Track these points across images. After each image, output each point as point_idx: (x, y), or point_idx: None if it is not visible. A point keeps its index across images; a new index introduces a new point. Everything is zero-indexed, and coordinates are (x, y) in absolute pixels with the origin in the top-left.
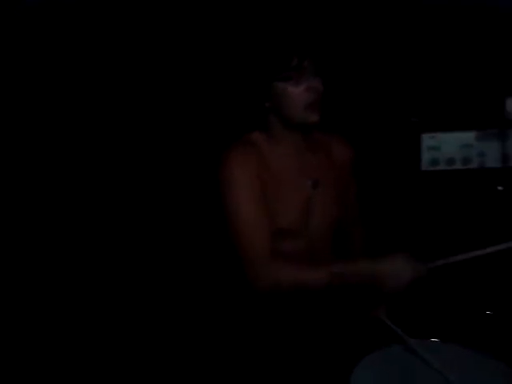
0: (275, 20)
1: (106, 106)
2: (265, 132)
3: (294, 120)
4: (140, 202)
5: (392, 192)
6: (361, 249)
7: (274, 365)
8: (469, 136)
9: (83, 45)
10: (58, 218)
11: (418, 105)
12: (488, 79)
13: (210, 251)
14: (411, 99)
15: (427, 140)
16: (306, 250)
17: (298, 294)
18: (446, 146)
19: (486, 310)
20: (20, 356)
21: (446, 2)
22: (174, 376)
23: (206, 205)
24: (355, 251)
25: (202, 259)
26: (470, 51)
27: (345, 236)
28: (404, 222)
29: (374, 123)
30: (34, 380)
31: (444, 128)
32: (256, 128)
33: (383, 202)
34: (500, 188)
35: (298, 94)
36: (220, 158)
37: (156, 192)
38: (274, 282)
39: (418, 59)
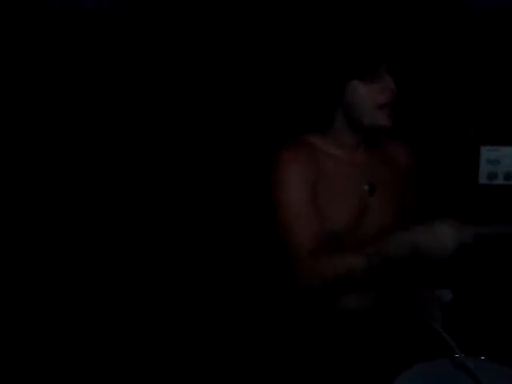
0: (354, 20)
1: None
2: (325, 133)
3: (363, 121)
4: (166, 199)
5: (448, 204)
6: None
7: (313, 370)
8: None
9: (89, 46)
10: (58, 217)
11: (477, 116)
12: None
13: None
14: (472, 110)
15: (486, 152)
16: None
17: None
18: (506, 160)
19: None
20: (18, 353)
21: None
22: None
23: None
24: None
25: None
26: None
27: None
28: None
29: (433, 133)
30: (32, 378)
31: (504, 141)
32: (316, 129)
33: (438, 214)
34: None
35: (372, 93)
36: (273, 157)
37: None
38: (315, 275)
39: (481, 70)
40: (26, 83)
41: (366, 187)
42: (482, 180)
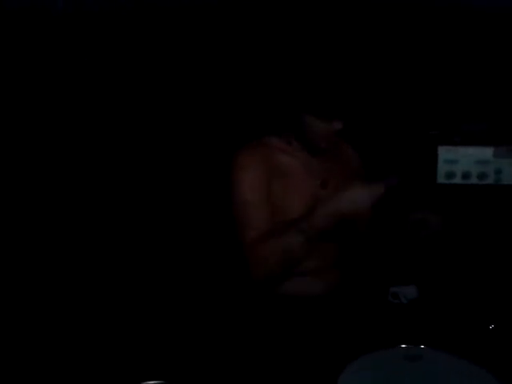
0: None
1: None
2: (283, 136)
3: (311, 144)
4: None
5: (406, 203)
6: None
7: (266, 360)
8: (487, 151)
9: (86, 48)
10: (58, 216)
11: (437, 118)
12: (510, 96)
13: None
14: (431, 112)
15: (444, 153)
16: (312, 245)
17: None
18: (463, 160)
19: (489, 324)
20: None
21: (465, 13)
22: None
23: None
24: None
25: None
26: (494, 67)
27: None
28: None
29: (391, 134)
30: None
31: (462, 142)
32: (276, 132)
33: (396, 212)
34: None
35: (325, 131)
36: (232, 157)
37: (160, 189)
38: (263, 262)
39: (442, 73)
40: (23, 83)
41: (318, 182)
42: (441, 179)
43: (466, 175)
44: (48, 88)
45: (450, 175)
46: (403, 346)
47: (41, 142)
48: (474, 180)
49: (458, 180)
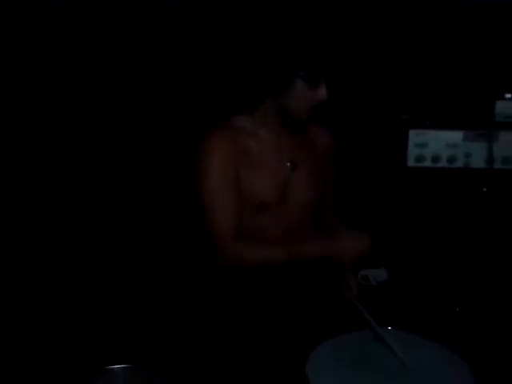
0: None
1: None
2: (250, 115)
3: (292, 115)
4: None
5: (376, 186)
6: (328, 230)
7: (235, 342)
8: (456, 135)
9: (82, 44)
10: (56, 214)
11: (407, 101)
12: (480, 80)
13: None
14: (401, 95)
15: (414, 136)
16: (287, 226)
17: (263, 270)
18: (433, 144)
19: (455, 307)
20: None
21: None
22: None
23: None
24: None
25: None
26: (464, 51)
27: (319, 222)
28: (387, 217)
29: (362, 117)
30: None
31: (432, 126)
32: (244, 111)
33: (367, 195)
34: (484, 189)
35: (310, 95)
36: (198, 143)
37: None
38: (237, 258)
39: (412, 56)
40: (23, 81)
41: (288, 164)
42: (410, 163)
43: (435, 159)
44: (44, 85)
45: (420, 158)
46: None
47: (34, 139)
48: (443, 163)
49: (427, 163)
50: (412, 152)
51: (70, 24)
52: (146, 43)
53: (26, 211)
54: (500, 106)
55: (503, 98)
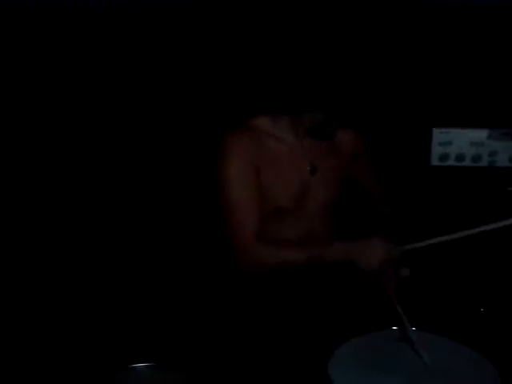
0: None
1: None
2: (270, 116)
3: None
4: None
5: (400, 184)
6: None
7: (258, 342)
8: (481, 133)
9: (82, 45)
10: (56, 213)
11: (432, 99)
12: (505, 78)
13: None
14: (426, 94)
15: (438, 135)
16: (305, 230)
17: (285, 270)
18: (458, 142)
19: (480, 307)
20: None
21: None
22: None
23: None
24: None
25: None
26: (490, 50)
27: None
28: (411, 215)
29: (387, 116)
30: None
31: (457, 124)
32: (267, 113)
33: (390, 195)
34: (510, 189)
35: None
36: (219, 142)
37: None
38: (258, 260)
39: (437, 55)
40: (24, 80)
41: (308, 168)
42: (434, 161)
43: (459, 157)
44: (47, 86)
45: (444, 157)
46: (395, 328)
47: (35, 139)
48: (468, 162)
49: (451, 162)
50: (436, 151)
51: (77, 26)
52: (167, 42)
53: (26, 211)
54: None
55: None
